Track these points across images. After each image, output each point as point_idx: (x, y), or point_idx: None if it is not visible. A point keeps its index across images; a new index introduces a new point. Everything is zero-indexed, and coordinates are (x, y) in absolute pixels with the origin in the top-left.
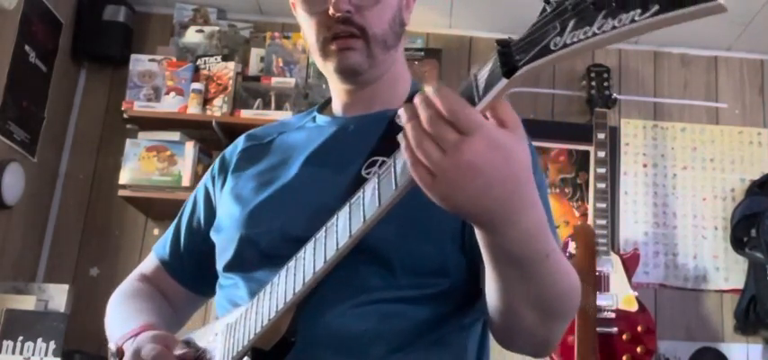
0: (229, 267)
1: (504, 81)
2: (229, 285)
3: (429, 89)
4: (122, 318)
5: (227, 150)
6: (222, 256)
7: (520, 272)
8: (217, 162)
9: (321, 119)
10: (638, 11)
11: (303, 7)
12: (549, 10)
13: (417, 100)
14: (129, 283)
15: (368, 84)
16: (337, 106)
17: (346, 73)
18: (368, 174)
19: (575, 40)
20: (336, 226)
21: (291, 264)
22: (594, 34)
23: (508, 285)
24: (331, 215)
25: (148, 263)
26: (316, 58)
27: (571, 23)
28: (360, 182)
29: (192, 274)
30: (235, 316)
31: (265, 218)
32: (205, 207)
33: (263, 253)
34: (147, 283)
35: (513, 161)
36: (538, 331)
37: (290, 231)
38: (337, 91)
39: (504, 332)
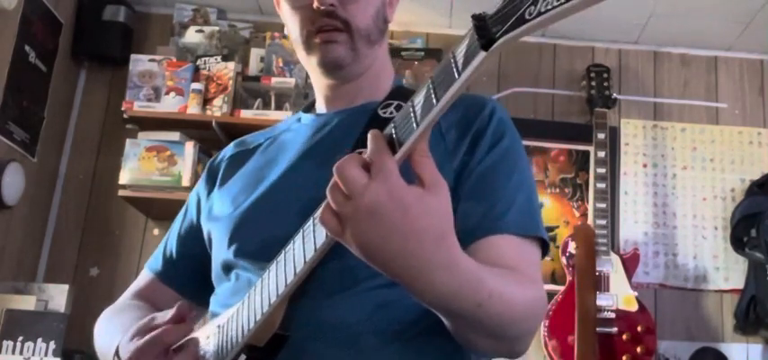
0: (220, 274)
1: (482, 54)
2: (221, 292)
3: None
4: (109, 335)
5: (216, 158)
6: (214, 264)
7: (453, 318)
8: (205, 170)
9: (306, 118)
10: None
11: (287, 2)
12: None
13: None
14: (120, 300)
15: (351, 79)
16: (321, 103)
17: (330, 66)
18: None
19: (549, 7)
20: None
21: (281, 258)
22: None
23: (449, 323)
24: (317, 207)
25: (141, 279)
26: (299, 52)
27: None
28: None
29: (187, 279)
30: (226, 317)
31: (253, 221)
32: (197, 213)
33: (252, 255)
34: (139, 299)
35: (414, 218)
36: (496, 351)
37: (278, 232)
38: (320, 87)
39: (465, 347)
